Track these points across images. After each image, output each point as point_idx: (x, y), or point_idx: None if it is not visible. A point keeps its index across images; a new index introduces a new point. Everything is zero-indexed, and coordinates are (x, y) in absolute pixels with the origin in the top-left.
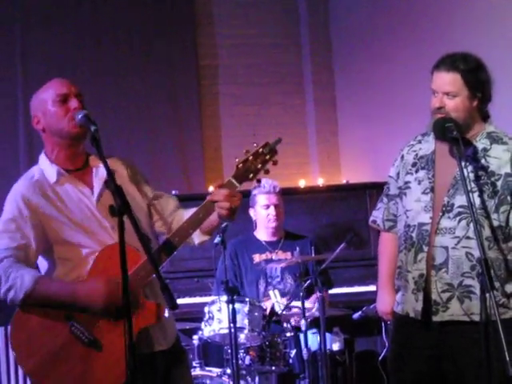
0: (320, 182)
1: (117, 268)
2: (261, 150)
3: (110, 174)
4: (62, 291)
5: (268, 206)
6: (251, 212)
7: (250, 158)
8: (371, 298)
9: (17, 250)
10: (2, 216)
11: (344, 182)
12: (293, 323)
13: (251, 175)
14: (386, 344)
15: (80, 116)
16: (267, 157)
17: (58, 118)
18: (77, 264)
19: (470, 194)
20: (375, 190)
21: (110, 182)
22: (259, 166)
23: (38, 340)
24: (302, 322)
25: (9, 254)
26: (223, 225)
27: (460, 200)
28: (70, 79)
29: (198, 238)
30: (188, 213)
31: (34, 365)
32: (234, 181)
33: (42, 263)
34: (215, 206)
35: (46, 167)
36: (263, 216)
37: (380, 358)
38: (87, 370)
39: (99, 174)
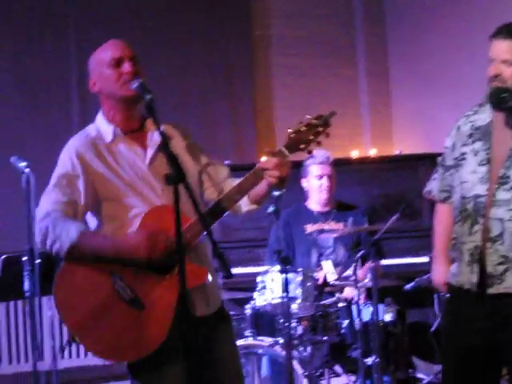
0: (372, 152)
1: (163, 230)
2: (314, 121)
3: (166, 142)
4: (106, 243)
5: (321, 177)
6: (303, 182)
7: (303, 128)
8: (423, 269)
9: (66, 205)
10: (55, 170)
11: (396, 152)
12: (345, 294)
13: (302, 146)
14: (438, 315)
15: (135, 85)
16: (320, 129)
17: (112, 82)
18: (124, 223)
19: None
20: (428, 160)
21: (166, 148)
22: (311, 137)
23: (81, 296)
24: (355, 293)
25: (58, 207)
26: (277, 194)
27: None
28: (126, 41)
29: (245, 206)
30: (237, 180)
31: (76, 321)
32: (284, 150)
33: (90, 220)
34: (264, 174)
35: (102, 126)
36: (316, 187)
37: (432, 330)
38: (128, 327)
39: (154, 138)
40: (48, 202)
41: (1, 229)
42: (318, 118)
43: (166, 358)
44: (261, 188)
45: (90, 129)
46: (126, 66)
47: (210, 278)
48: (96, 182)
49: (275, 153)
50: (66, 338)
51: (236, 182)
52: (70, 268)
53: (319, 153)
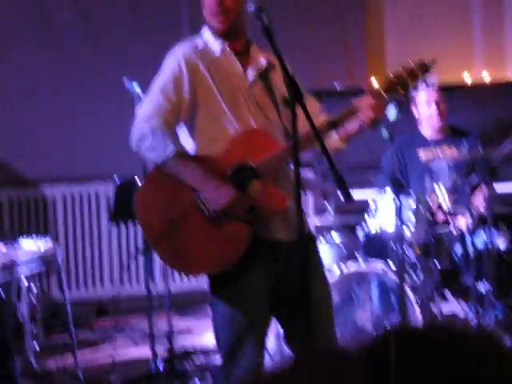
0: (484, 75)
1: (252, 152)
2: (415, 67)
3: (270, 66)
4: (194, 177)
5: (430, 103)
6: (413, 108)
7: (403, 72)
8: None
9: (168, 111)
10: (160, 74)
11: (510, 75)
12: (458, 224)
13: (401, 90)
14: None
15: (253, 8)
16: (419, 74)
17: (206, 11)
18: (217, 138)
19: None
20: None
21: (284, 71)
22: (410, 82)
23: (161, 202)
24: (469, 220)
25: (160, 113)
26: (391, 119)
27: None
28: None
29: (334, 142)
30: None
31: (153, 225)
32: (382, 92)
33: (185, 133)
34: (359, 113)
35: (209, 40)
36: (426, 114)
37: None
38: (204, 240)
39: (259, 62)
40: (152, 106)
41: (112, 152)
42: (419, 64)
43: (243, 273)
44: (352, 127)
45: (197, 40)
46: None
47: (290, 203)
48: (199, 90)
49: (373, 92)
50: None
51: (325, 117)
52: (156, 176)
53: (426, 78)
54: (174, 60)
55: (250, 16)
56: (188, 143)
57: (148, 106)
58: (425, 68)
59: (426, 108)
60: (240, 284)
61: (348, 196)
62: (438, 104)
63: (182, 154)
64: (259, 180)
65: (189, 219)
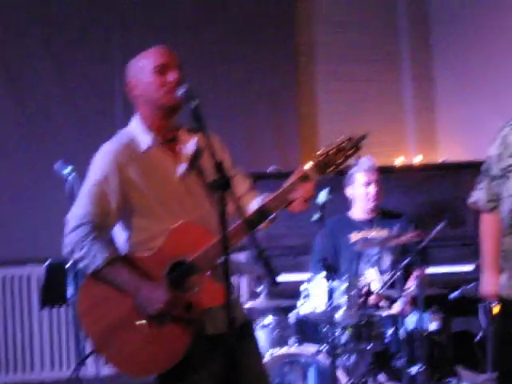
0: (417, 159)
1: (188, 246)
2: (344, 144)
3: (200, 152)
4: (127, 283)
5: (368, 184)
6: (348, 190)
7: (332, 151)
8: (468, 277)
9: (96, 216)
10: (88, 176)
11: (441, 160)
12: (393, 311)
13: (330, 169)
14: (483, 325)
15: (182, 90)
16: (349, 152)
17: (155, 89)
18: (152, 236)
19: None
20: (473, 168)
21: (213, 156)
22: (341, 160)
23: (102, 308)
24: (400, 301)
25: (88, 219)
26: (321, 202)
27: None
28: (170, 48)
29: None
30: (258, 197)
31: (97, 331)
32: (312, 173)
33: (119, 230)
34: (288, 196)
35: (138, 132)
36: (363, 194)
37: (477, 339)
38: (146, 342)
39: (188, 148)
40: (80, 212)
41: (46, 235)
42: (349, 140)
43: (189, 370)
44: (280, 209)
45: (125, 134)
46: (172, 74)
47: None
48: (129, 191)
49: (302, 176)
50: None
51: (255, 196)
52: (92, 283)
53: (364, 160)
54: (103, 161)
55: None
56: (123, 239)
57: (77, 211)
58: (354, 144)
59: (363, 189)
60: (186, 382)
61: (274, 280)
62: (376, 185)
63: (114, 259)
64: (196, 275)
65: (131, 322)
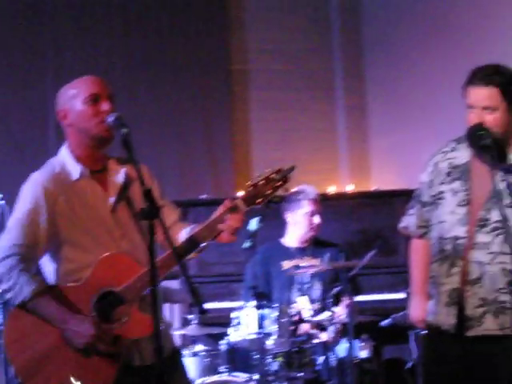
0: (350, 188)
1: (114, 278)
2: (273, 175)
3: (129, 182)
4: (54, 316)
5: (313, 214)
6: (288, 216)
7: (261, 182)
8: (399, 305)
9: (24, 247)
10: (17, 206)
11: (374, 188)
12: (323, 339)
13: (259, 200)
14: (414, 352)
15: (112, 118)
16: (278, 183)
17: (87, 118)
18: (80, 267)
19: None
20: (405, 197)
21: (142, 185)
22: (269, 191)
23: (29, 338)
24: (331, 329)
25: (15, 251)
26: (253, 229)
27: (497, 214)
28: (103, 78)
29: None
30: (187, 228)
31: (23, 363)
32: (241, 204)
33: (47, 260)
34: (217, 226)
35: (68, 162)
36: (305, 223)
37: (407, 366)
38: (73, 373)
39: (118, 179)
40: (8, 243)
41: None
42: (278, 172)
43: None
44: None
45: (55, 163)
46: (105, 105)
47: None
48: (58, 221)
49: (232, 207)
50: None
51: (185, 228)
52: (18, 314)
53: (310, 189)
54: (32, 191)
55: (110, 126)
56: (51, 270)
57: (5, 242)
58: (282, 175)
59: (306, 218)
60: None
61: (201, 308)
62: (320, 215)
63: (41, 291)
64: (123, 305)
65: (59, 353)
